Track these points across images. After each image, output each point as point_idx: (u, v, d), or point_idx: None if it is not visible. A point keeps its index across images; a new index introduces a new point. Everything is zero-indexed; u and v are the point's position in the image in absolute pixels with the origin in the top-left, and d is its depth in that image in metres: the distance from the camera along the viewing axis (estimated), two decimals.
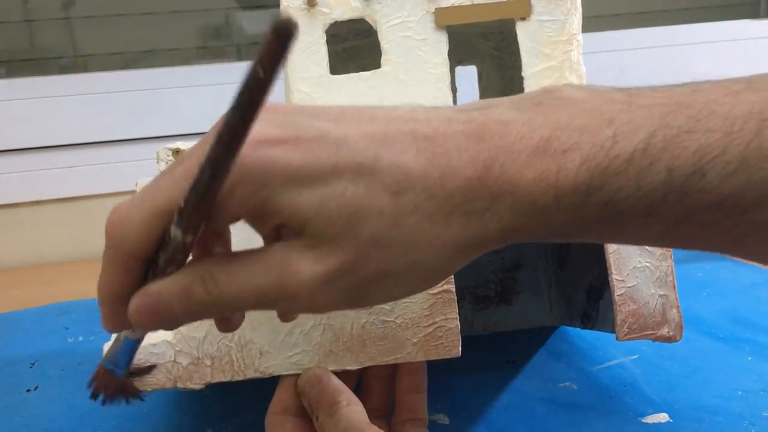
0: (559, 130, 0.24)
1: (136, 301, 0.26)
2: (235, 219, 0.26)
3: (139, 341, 0.29)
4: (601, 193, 0.24)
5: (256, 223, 0.26)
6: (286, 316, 0.32)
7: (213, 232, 0.27)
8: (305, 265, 0.24)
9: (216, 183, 0.23)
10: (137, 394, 0.33)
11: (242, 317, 0.31)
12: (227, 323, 0.30)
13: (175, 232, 0.25)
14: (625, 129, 0.24)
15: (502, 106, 0.26)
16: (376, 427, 0.33)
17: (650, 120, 0.24)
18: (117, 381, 0.31)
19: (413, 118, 0.25)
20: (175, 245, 0.25)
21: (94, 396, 0.32)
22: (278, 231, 0.25)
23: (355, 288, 0.25)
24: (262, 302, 0.25)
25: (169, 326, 0.27)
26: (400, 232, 0.24)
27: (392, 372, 0.38)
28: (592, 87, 0.27)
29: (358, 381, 0.39)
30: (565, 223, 0.25)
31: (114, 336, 0.30)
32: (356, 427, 0.33)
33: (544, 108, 0.26)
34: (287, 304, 0.26)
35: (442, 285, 0.38)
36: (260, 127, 0.24)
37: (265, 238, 0.27)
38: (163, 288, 0.26)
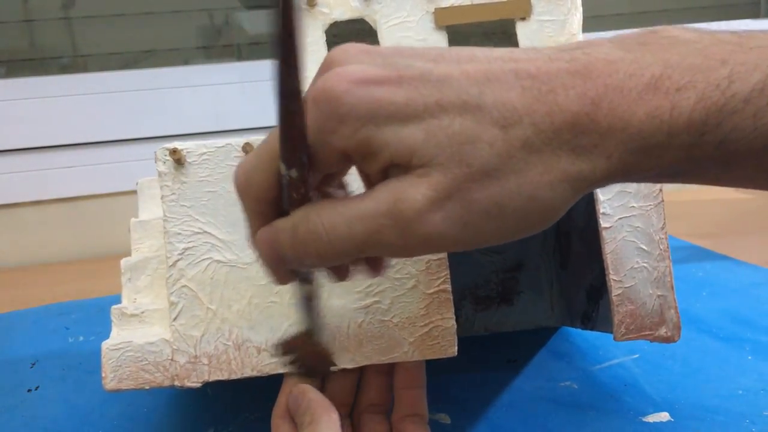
0: (671, 69, 0.24)
1: (260, 234, 0.28)
2: (342, 158, 0.26)
3: (309, 299, 0.32)
4: (716, 131, 0.24)
5: (363, 163, 0.26)
6: (379, 268, 0.31)
7: (325, 174, 0.28)
8: (418, 191, 0.24)
9: (289, 105, 0.25)
10: (327, 370, 0.36)
11: (347, 270, 0.31)
12: (337, 273, 0.31)
13: (281, 167, 0.26)
14: (740, 69, 0.24)
15: (605, 45, 0.26)
16: None
17: (766, 61, 0.24)
18: (310, 348, 0.35)
19: (514, 58, 0.25)
20: (285, 182, 0.27)
21: (291, 363, 0.35)
22: (385, 173, 0.26)
23: (469, 218, 0.25)
24: (370, 238, 0.25)
25: (286, 264, 0.28)
26: (512, 165, 0.24)
27: (390, 367, 0.38)
28: (699, 29, 0.26)
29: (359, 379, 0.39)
30: (675, 162, 0.25)
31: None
32: None
33: (651, 47, 0.25)
34: (398, 235, 0.25)
35: (438, 285, 0.38)
36: (362, 68, 0.25)
37: (370, 181, 0.27)
38: (278, 223, 0.27)
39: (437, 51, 0.26)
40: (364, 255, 0.27)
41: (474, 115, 0.24)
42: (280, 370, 0.37)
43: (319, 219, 0.26)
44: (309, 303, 0.33)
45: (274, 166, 0.27)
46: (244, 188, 0.28)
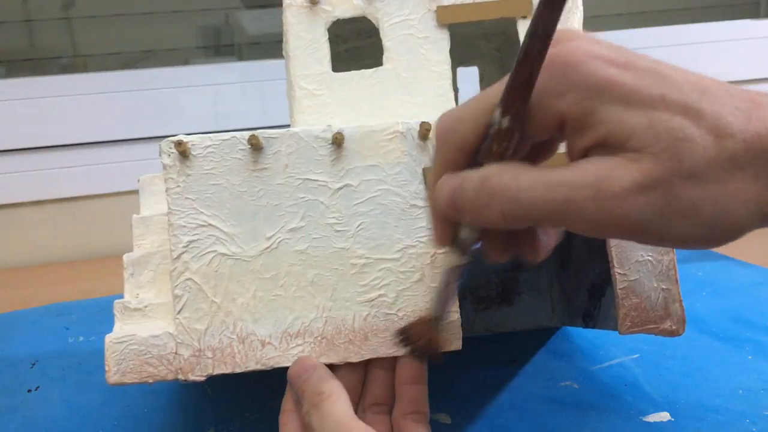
0: None
1: (444, 179, 0.30)
2: (557, 124, 0.27)
3: (453, 276, 0.33)
4: None
5: (575, 134, 0.27)
6: (537, 251, 0.32)
7: (536, 141, 0.29)
8: (628, 172, 0.25)
9: (536, 46, 0.26)
10: (439, 357, 0.36)
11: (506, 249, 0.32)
12: (496, 249, 0.32)
13: (496, 114, 0.28)
14: None
15: None
16: (361, 422, 0.33)
17: None
18: (431, 334, 0.36)
19: (722, 83, 0.27)
20: (493, 131, 0.28)
21: (404, 342, 0.36)
22: (588, 150, 0.27)
23: (666, 211, 0.25)
24: (567, 206, 0.26)
25: (460, 215, 0.29)
26: (716, 173, 0.25)
27: (395, 362, 0.38)
28: None
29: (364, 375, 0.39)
30: None
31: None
32: (340, 422, 0.33)
33: None
34: (596, 209, 0.26)
35: None
36: (599, 48, 0.27)
37: (572, 156, 0.28)
38: (467, 174, 0.29)
39: (655, 60, 0.27)
40: (547, 223, 0.28)
41: (693, 118, 0.25)
42: (285, 364, 0.37)
43: (515, 175, 0.27)
44: (449, 282, 0.33)
45: (485, 117, 0.28)
46: (445, 134, 0.29)
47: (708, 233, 0.26)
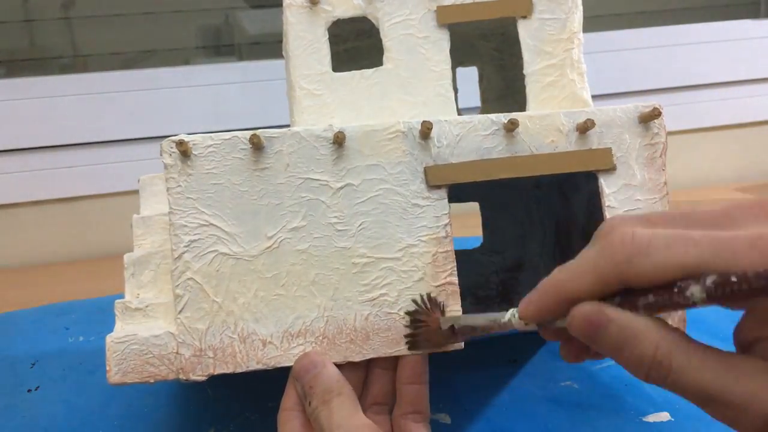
0: None
1: (590, 310, 0.27)
2: (751, 309, 0.26)
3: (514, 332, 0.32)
4: None
5: (755, 322, 0.26)
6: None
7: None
8: None
9: None
10: (436, 349, 0.37)
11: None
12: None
13: (697, 293, 0.25)
14: None
15: None
16: (369, 420, 0.34)
17: None
18: (440, 335, 0.36)
19: None
20: (679, 301, 0.25)
21: (409, 340, 0.37)
22: (753, 344, 0.26)
23: None
24: (700, 402, 0.26)
25: (591, 343, 0.28)
26: None
27: (396, 361, 0.39)
28: None
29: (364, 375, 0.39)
30: None
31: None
32: (348, 419, 0.33)
33: None
34: (724, 418, 0.25)
35: (445, 277, 0.38)
36: None
37: (737, 335, 0.27)
38: (623, 320, 0.26)
39: None
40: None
41: None
42: (286, 363, 0.37)
43: (667, 358, 0.26)
44: (492, 329, 0.33)
45: (675, 273, 0.25)
46: (631, 252, 0.26)
47: None
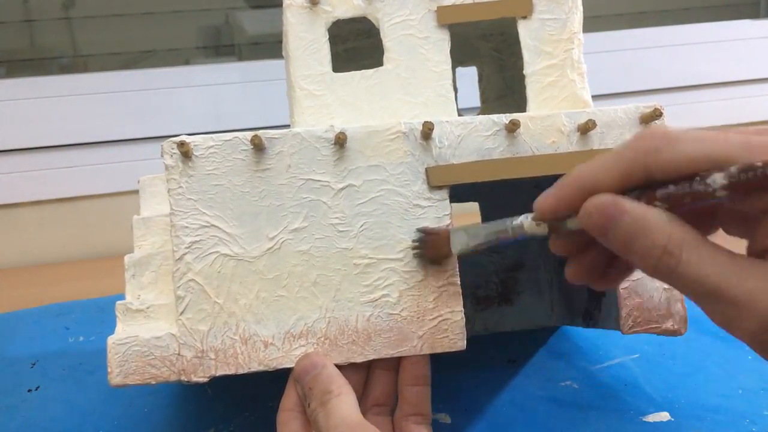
0: None
1: (606, 202, 0.27)
2: (765, 212, 0.25)
3: (516, 240, 0.32)
4: None
5: None
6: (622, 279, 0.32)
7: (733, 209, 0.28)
8: None
9: None
10: (439, 261, 0.37)
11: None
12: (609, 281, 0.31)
13: (719, 179, 0.25)
14: None
15: None
16: (367, 422, 0.33)
17: None
18: (443, 251, 0.36)
19: None
20: (702, 187, 0.25)
21: (416, 244, 0.37)
22: (766, 252, 0.26)
23: None
24: (703, 297, 0.26)
25: (603, 235, 0.27)
26: None
27: (398, 363, 0.38)
28: None
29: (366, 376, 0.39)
30: None
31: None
32: (346, 420, 0.33)
33: None
34: (723, 318, 0.25)
35: (447, 278, 0.38)
36: None
37: (753, 244, 0.27)
38: (638, 210, 0.26)
39: None
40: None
41: None
42: (288, 365, 0.37)
43: (678, 248, 0.26)
44: (506, 236, 0.33)
45: (703, 163, 0.26)
46: (650, 145, 0.27)
47: None
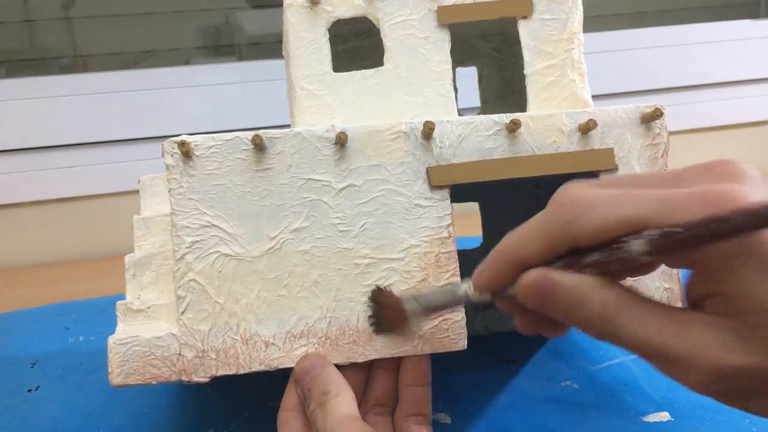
0: None
1: (536, 277, 0.28)
2: (697, 266, 0.26)
3: (470, 305, 0.33)
4: None
5: (702, 278, 0.26)
6: (566, 330, 0.32)
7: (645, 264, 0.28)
8: (719, 351, 0.24)
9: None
10: (394, 333, 0.37)
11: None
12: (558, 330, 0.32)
13: (638, 246, 0.25)
14: None
15: None
16: (364, 423, 0.34)
17: None
18: (401, 316, 0.36)
19: None
20: (623, 253, 0.26)
21: (372, 311, 0.37)
22: (703, 300, 0.26)
23: (749, 392, 0.25)
24: (648, 357, 0.26)
25: (542, 309, 0.28)
26: None
27: (398, 363, 0.39)
28: None
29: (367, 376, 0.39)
30: None
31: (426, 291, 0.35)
32: (343, 421, 0.33)
33: None
34: (671, 373, 0.26)
35: (448, 278, 0.38)
36: None
37: (689, 293, 0.27)
38: (570, 282, 0.27)
39: None
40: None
41: None
42: (289, 365, 0.37)
43: (613, 316, 0.26)
44: (453, 304, 0.34)
45: (616, 229, 0.26)
46: (565, 219, 0.27)
47: None
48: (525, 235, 0.29)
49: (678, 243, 0.24)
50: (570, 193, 0.27)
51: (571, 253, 0.27)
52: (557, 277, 0.27)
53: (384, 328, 0.37)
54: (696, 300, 0.26)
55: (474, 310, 0.34)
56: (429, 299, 0.35)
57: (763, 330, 0.24)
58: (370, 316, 0.37)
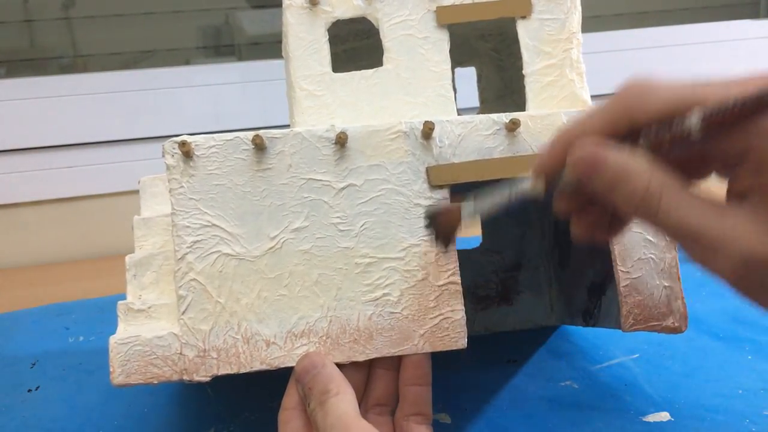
0: None
1: (587, 148, 0.28)
2: (747, 155, 0.26)
3: (525, 202, 0.32)
4: None
5: (749, 169, 0.26)
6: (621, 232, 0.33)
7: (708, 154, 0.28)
8: (753, 239, 0.25)
9: None
10: (450, 242, 0.36)
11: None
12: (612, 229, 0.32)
13: (693, 120, 0.26)
14: None
15: None
16: (364, 421, 0.34)
17: None
18: (456, 224, 0.35)
19: None
20: (677, 129, 0.26)
21: (429, 223, 0.36)
22: (747, 193, 0.26)
23: None
24: (682, 239, 0.27)
25: (589, 183, 0.28)
26: None
27: (399, 362, 0.39)
28: None
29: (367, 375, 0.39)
30: None
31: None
32: (342, 419, 0.33)
33: None
34: (701, 258, 0.26)
35: (448, 277, 0.38)
36: None
37: (731, 186, 0.28)
38: (617, 158, 0.27)
39: None
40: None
41: None
42: (290, 364, 0.37)
43: (657, 197, 0.26)
44: (510, 198, 0.33)
45: (680, 108, 0.26)
46: (632, 96, 0.28)
47: None
48: (588, 115, 0.29)
49: (732, 115, 0.25)
50: (636, 78, 0.28)
51: (629, 135, 0.28)
52: (608, 151, 0.28)
53: (441, 234, 0.36)
54: (740, 193, 0.27)
55: (525, 207, 0.32)
56: (485, 201, 0.34)
57: None
58: (426, 227, 0.37)
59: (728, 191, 0.28)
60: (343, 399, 0.34)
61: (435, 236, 0.37)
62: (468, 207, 0.35)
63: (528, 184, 0.31)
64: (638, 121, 0.28)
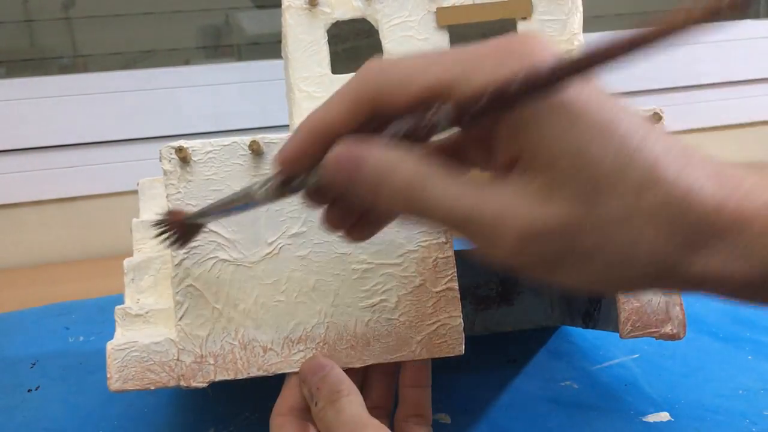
0: None
1: (344, 150, 0.25)
2: (503, 125, 0.24)
3: (251, 206, 0.29)
4: None
5: (508, 139, 0.24)
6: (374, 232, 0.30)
7: (474, 136, 0.26)
8: (526, 211, 0.23)
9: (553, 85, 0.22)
10: (197, 231, 0.34)
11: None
12: (368, 228, 0.30)
13: (442, 119, 0.24)
14: None
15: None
16: (377, 421, 0.33)
17: None
18: (184, 225, 0.33)
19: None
20: (426, 124, 0.24)
21: (162, 234, 0.33)
22: (512, 165, 0.24)
23: (558, 258, 0.23)
24: (458, 227, 0.25)
25: (346, 189, 0.26)
26: (625, 227, 0.23)
27: (395, 368, 0.38)
28: None
29: (362, 379, 0.39)
30: None
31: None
32: (357, 418, 0.33)
33: None
34: (482, 244, 0.24)
35: (445, 283, 0.38)
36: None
37: (501, 157, 0.25)
38: (377, 155, 0.25)
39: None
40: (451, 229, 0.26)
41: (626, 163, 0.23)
42: (287, 370, 0.37)
43: (422, 185, 0.24)
44: (243, 200, 0.30)
45: (424, 95, 0.24)
46: (371, 83, 0.25)
47: (596, 285, 0.25)
48: (329, 103, 0.26)
49: (476, 113, 0.23)
50: (378, 59, 0.26)
51: (382, 124, 0.25)
52: (364, 149, 0.25)
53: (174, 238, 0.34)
54: (505, 166, 0.25)
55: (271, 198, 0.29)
56: (214, 204, 0.32)
57: (570, 180, 0.23)
58: (155, 225, 0.34)
59: (492, 171, 0.26)
60: (354, 400, 0.34)
61: (168, 238, 0.34)
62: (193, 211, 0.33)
63: (267, 185, 0.28)
64: (386, 110, 0.25)
